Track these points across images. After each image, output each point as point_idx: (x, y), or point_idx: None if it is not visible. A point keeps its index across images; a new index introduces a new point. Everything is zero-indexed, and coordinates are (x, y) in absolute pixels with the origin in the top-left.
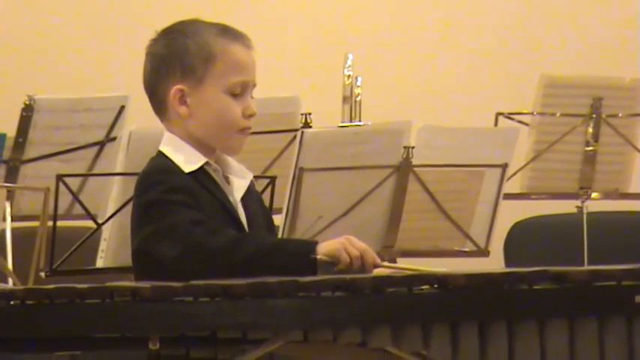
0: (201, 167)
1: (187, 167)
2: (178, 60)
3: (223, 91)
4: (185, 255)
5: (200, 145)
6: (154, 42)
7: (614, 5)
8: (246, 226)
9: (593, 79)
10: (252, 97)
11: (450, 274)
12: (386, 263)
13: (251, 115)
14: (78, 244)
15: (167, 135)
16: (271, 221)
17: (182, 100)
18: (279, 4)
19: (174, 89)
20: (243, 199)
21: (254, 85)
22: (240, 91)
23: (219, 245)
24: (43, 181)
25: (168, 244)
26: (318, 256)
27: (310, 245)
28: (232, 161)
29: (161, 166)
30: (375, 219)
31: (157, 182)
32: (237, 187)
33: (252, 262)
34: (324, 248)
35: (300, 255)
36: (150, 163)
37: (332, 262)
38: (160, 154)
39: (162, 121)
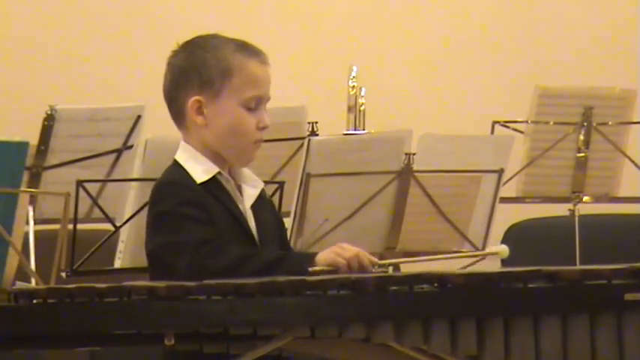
0: (213, 177)
1: (199, 177)
2: (197, 72)
3: (239, 104)
4: (192, 274)
5: (214, 154)
6: (175, 54)
7: (606, 18)
8: (255, 232)
9: (584, 89)
10: (265, 110)
11: (449, 274)
12: (382, 262)
13: (264, 128)
14: (97, 245)
15: (183, 144)
16: (282, 225)
17: (199, 111)
18: (286, 18)
19: (192, 100)
20: (254, 207)
21: (268, 99)
22: (254, 105)
23: (222, 266)
24: (63, 186)
25: (178, 260)
26: (317, 268)
27: (308, 259)
28: (245, 171)
29: (175, 177)
30: (378, 222)
31: (170, 194)
32: (248, 195)
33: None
34: (322, 260)
35: (300, 270)
36: (165, 173)
37: (331, 271)
38: (175, 163)
39: (179, 129)
